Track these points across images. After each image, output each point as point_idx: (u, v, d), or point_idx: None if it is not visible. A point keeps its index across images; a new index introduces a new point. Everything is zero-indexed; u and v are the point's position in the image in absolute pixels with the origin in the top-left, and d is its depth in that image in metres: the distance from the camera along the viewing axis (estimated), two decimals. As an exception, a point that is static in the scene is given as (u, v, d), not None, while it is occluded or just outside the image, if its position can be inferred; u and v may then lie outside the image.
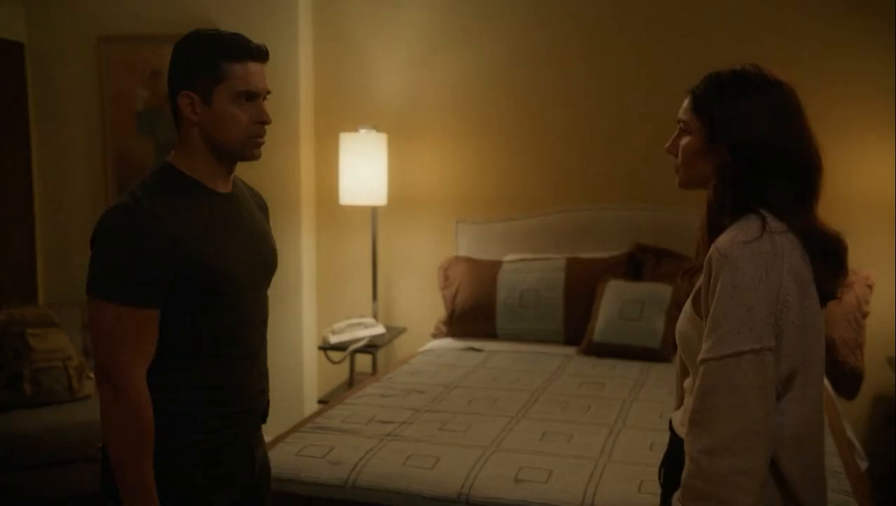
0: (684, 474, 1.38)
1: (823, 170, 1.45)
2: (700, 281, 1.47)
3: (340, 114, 4.13)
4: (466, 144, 4.07)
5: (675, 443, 1.54)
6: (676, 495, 1.41)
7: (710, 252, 1.40)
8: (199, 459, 1.64)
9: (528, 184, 4.01)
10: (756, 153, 1.41)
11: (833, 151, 3.38)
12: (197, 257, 1.57)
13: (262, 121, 1.63)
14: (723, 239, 1.39)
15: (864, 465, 2.79)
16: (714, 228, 1.46)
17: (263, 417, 1.82)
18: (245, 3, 3.96)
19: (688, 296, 1.55)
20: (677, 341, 1.55)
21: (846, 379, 3.31)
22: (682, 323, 1.53)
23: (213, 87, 1.58)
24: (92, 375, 3.72)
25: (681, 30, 3.76)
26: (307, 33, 4.13)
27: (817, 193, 1.45)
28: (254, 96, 1.61)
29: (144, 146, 4.22)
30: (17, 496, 3.35)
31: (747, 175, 1.42)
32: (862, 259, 3.50)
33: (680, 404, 1.61)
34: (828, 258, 1.41)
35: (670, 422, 1.60)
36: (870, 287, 3.42)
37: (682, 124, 1.50)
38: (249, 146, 1.63)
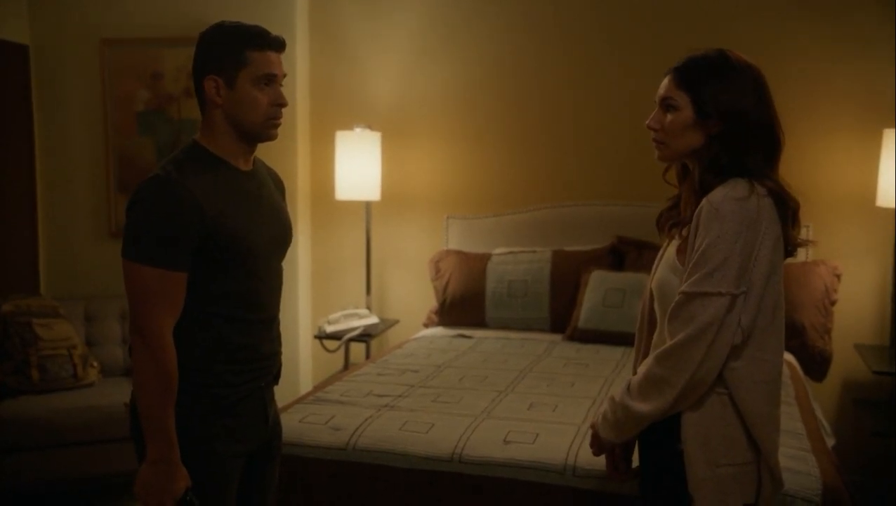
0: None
1: (783, 144, 1.64)
2: (685, 233, 1.63)
3: (336, 113, 4.26)
4: (457, 142, 4.20)
5: None
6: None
7: (702, 205, 1.56)
8: (217, 409, 1.77)
9: (516, 181, 4.14)
10: (743, 124, 1.59)
11: (811, 148, 3.59)
12: (220, 226, 1.71)
13: (280, 103, 1.78)
14: (716, 194, 1.56)
15: (831, 442, 2.95)
16: (705, 188, 1.61)
17: (276, 377, 1.97)
18: (244, 8, 4.00)
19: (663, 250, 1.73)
20: (655, 292, 1.69)
21: (815, 361, 3.46)
22: (663, 273, 1.68)
23: (237, 72, 1.73)
24: (95, 363, 3.85)
25: (663, 33, 3.88)
26: (304, 37, 4.26)
27: (778, 162, 1.64)
28: (273, 80, 1.77)
29: (145, 146, 4.30)
30: (25, 477, 3.46)
31: (735, 142, 1.59)
32: (831, 251, 3.70)
33: (645, 358, 1.74)
34: (791, 215, 1.61)
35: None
36: (837, 276, 3.60)
37: (668, 101, 1.63)
38: (268, 126, 1.78)
